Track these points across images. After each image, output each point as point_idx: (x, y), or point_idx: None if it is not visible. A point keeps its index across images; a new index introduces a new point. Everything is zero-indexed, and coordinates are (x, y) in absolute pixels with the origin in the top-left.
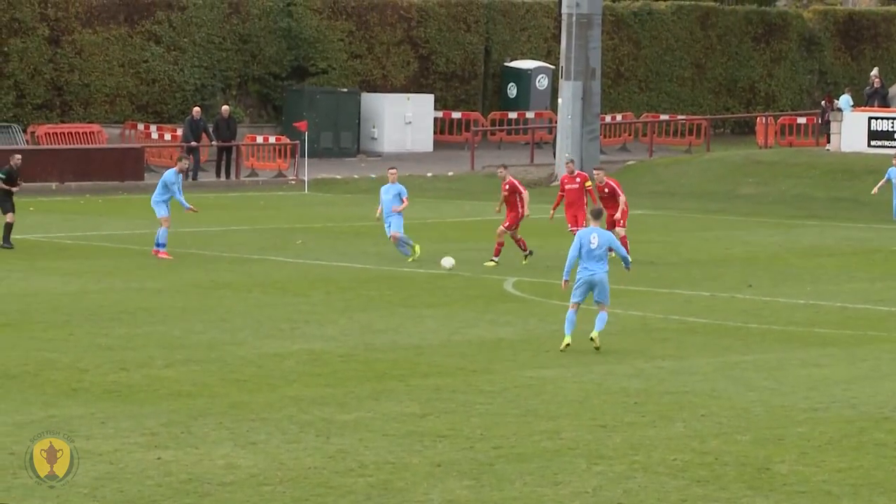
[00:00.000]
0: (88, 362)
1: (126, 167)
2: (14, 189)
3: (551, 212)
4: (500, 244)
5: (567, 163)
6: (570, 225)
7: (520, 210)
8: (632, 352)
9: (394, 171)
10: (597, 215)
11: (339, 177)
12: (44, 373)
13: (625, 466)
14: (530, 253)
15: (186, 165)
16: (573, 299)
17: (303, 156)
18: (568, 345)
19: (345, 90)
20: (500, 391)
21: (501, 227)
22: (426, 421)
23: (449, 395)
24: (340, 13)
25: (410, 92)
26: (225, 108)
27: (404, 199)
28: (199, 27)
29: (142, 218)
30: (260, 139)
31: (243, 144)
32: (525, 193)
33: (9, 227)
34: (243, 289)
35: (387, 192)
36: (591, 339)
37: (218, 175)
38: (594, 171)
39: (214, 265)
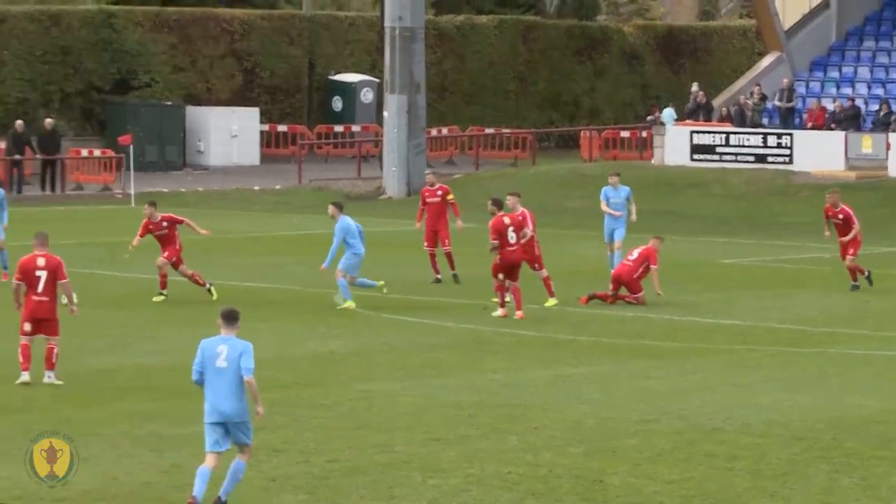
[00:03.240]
0: None
1: None
2: None
3: (417, 223)
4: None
5: (427, 174)
6: (426, 243)
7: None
8: (464, 365)
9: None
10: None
11: (165, 190)
12: None
13: (459, 479)
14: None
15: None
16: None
17: (129, 169)
18: None
19: (169, 103)
20: (332, 405)
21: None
22: (261, 435)
23: (283, 409)
24: (163, 26)
25: (235, 105)
26: (48, 121)
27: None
28: (19, 39)
29: None
30: (85, 152)
31: (68, 158)
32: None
33: None
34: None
35: None
36: None
37: (43, 188)
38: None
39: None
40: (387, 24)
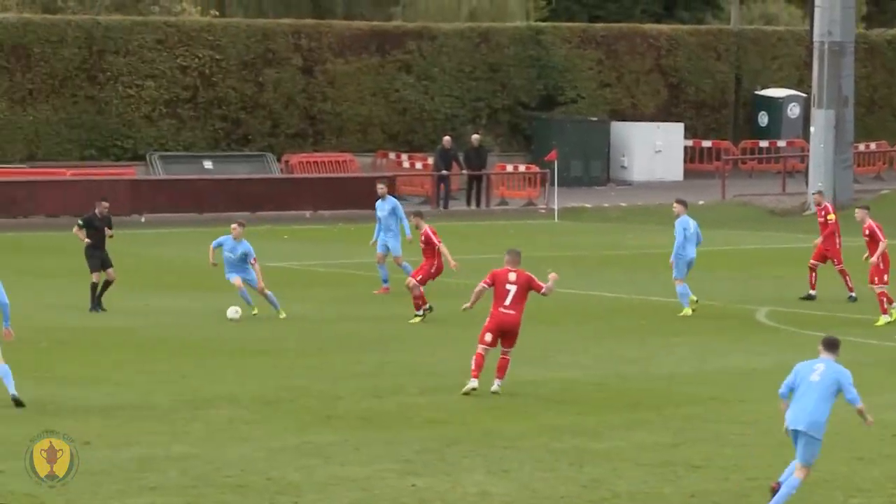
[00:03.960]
0: (342, 389)
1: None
2: (88, 240)
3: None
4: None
5: (813, 193)
6: (835, 261)
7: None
8: (889, 383)
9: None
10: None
11: (588, 205)
12: (299, 399)
13: (883, 500)
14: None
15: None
16: None
17: (553, 184)
18: None
19: (594, 119)
20: (753, 422)
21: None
22: (679, 450)
23: (702, 424)
24: (589, 42)
25: (660, 120)
26: (475, 136)
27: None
28: (449, 57)
29: None
30: (510, 168)
31: (493, 173)
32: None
33: (94, 288)
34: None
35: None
36: None
37: (468, 204)
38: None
39: (464, 293)
40: (816, 38)
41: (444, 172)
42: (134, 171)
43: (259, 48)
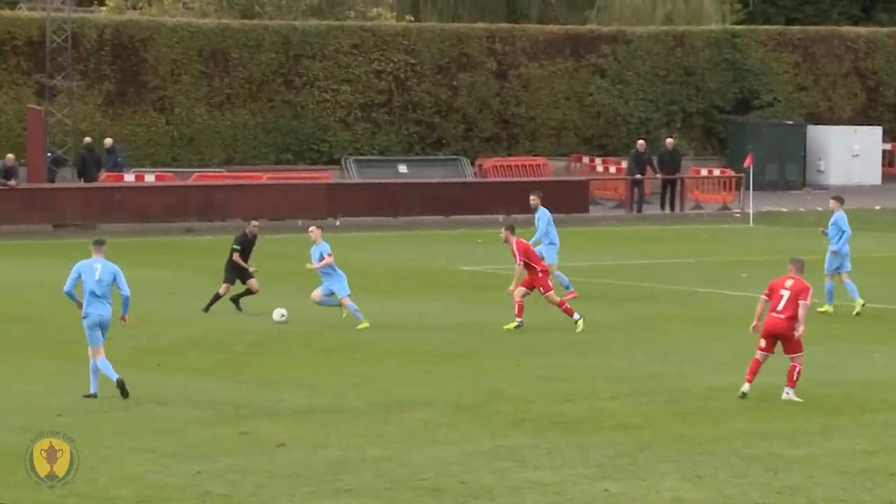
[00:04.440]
0: (535, 393)
1: (571, 200)
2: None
3: None
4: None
5: None
6: None
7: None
8: None
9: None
10: None
11: (784, 210)
12: (492, 403)
13: None
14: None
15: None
16: None
17: (748, 188)
18: None
19: (790, 122)
20: None
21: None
22: (877, 458)
23: None
24: (786, 45)
25: (857, 124)
26: (669, 140)
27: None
28: (644, 60)
29: (586, 251)
30: (704, 172)
31: (688, 177)
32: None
33: (217, 297)
34: (688, 321)
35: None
36: None
37: (662, 207)
38: None
39: (659, 297)
40: None
41: (638, 176)
42: (329, 175)
43: (453, 52)
